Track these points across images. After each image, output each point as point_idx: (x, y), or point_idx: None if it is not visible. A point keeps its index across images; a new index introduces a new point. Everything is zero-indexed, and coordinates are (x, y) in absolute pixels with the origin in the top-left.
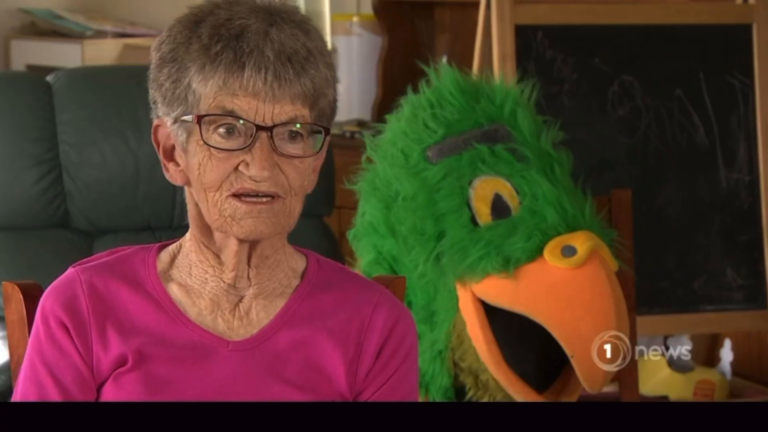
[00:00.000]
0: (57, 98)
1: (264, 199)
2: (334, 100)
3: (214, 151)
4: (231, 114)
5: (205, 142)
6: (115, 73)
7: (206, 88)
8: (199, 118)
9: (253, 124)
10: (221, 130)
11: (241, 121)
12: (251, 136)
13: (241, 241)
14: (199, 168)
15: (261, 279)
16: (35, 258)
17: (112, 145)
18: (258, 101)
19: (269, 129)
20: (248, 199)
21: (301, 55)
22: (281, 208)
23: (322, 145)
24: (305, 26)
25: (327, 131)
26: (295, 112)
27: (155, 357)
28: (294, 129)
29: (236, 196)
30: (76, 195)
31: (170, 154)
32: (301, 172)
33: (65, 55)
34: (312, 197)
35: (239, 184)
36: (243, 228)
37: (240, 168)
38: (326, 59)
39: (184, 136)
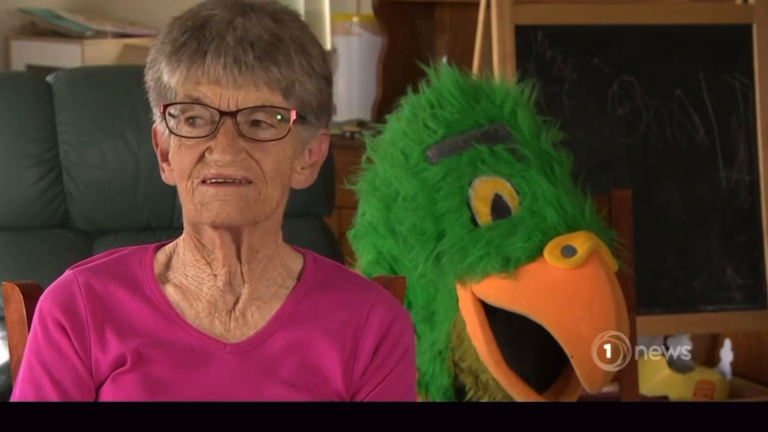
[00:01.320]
0: (57, 98)
1: (232, 183)
2: (322, 91)
3: (183, 140)
4: (197, 102)
5: (175, 133)
6: (115, 73)
7: (174, 79)
8: (165, 108)
9: (217, 110)
10: (189, 119)
11: (207, 109)
12: (216, 123)
13: (215, 229)
14: (173, 159)
15: (254, 276)
16: (35, 258)
17: (112, 145)
18: (221, 88)
19: (233, 114)
20: (215, 183)
21: (265, 40)
22: (252, 193)
23: (292, 130)
24: (278, 15)
25: (298, 115)
26: (262, 99)
27: (154, 358)
28: (261, 115)
29: (205, 183)
30: (76, 195)
31: (166, 155)
32: (275, 156)
33: (65, 55)
34: (312, 197)
35: (206, 170)
36: (211, 212)
37: (206, 155)
38: (305, 48)
39: (167, 132)
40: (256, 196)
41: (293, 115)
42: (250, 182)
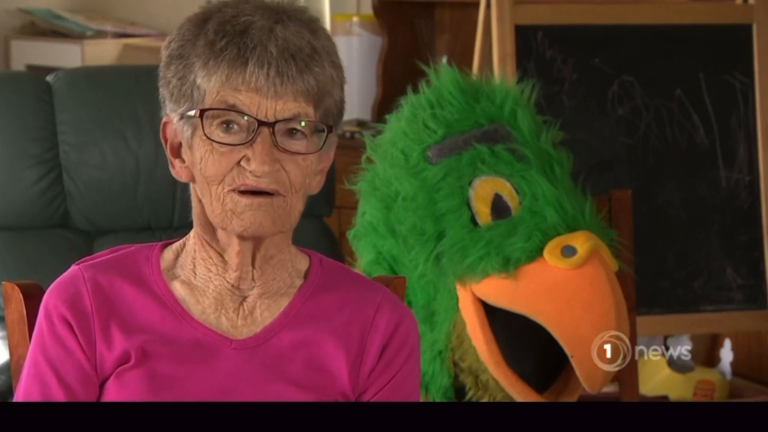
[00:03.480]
0: (57, 98)
1: (264, 194)
2: (341, 101)
3: (216, 146)
4: (233, 109)
5: (207, 137)
6: (115, 73)
7: (210, 83)
8: (202, 112)
9: (255, 119)
10: (223, 124)
11: (244, 117)
12: (253, 131)
13: (242, 239)
14: (201, 162)
15: (265, 279)
16: (35, 258)
17: (112, 145)
18: (260, 97)
19: (271, 125)
20: (249, 193)
21: (305, 52)
22: (281, 204)
23: (325, 142)
24: (312, 25)
25: (330, 129)
26: (298, 109)
27: (159, 354)
28: (296, 126)
29: (237, 191)
30: (76, 195)
31: (177, 151)
32: (303, 170)
33: (65, 55)
34: (312, 197)
35: (240, 179)
36: (243, 221)
37: (242, 163)
38: (333, 59)
39: (189, 131)
40: (285, 207)
41: (327, 130)
42: (279, 194)
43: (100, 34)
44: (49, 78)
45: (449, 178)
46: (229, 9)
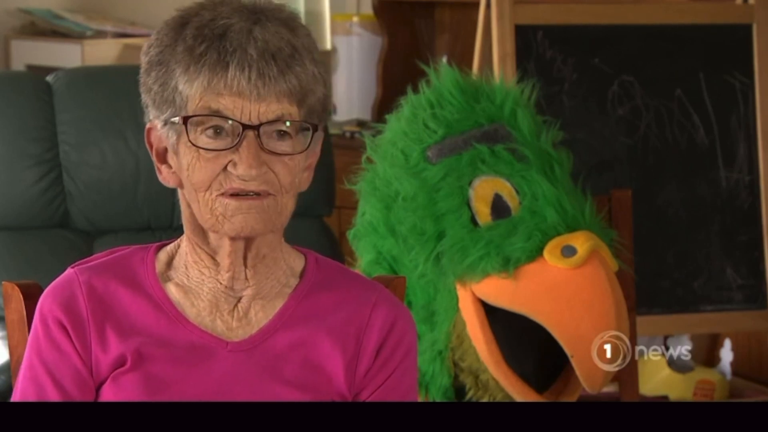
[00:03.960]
0: (57, 98)
1: (253, 196)
2: (325, 96)
3: (202, 152)
4: (217, 114)
5: (192, 144)
6: (115, 73)
7: (192, 89)
8: (185, 120)
9: (240, 123)
10: (208, 130)
11: (229, 121)
12: (238, 135)
13: (233, 240)
14: (188, 169)
15: (259, 278)
16: (35, 258)
17: (112, 145)
18: (243, 100)
19: (256, 127)
20: (237, 195)
21: (286, 52)
22: (272, 205)
23: (311, 141)
24: (291, 24)
25: (315, 128)
26: (281, 110)
27: (154, 357)
28: (281, 127)
29: (226, 195)
30: (76, 195)
31: (163, 157)
32: (291, 169)
33: (65, 55)
34: (312, 197)
35: (228, 184)
36: (234, 224)
37: (228, 168)
38: (313, 56)
39: (174, 137)
40: (276, 207)
41: (312, 128)
42: (269, 194)
43: (100, 34)
44: (49, 78)
45: (449, 178)
46: (207, 12)
